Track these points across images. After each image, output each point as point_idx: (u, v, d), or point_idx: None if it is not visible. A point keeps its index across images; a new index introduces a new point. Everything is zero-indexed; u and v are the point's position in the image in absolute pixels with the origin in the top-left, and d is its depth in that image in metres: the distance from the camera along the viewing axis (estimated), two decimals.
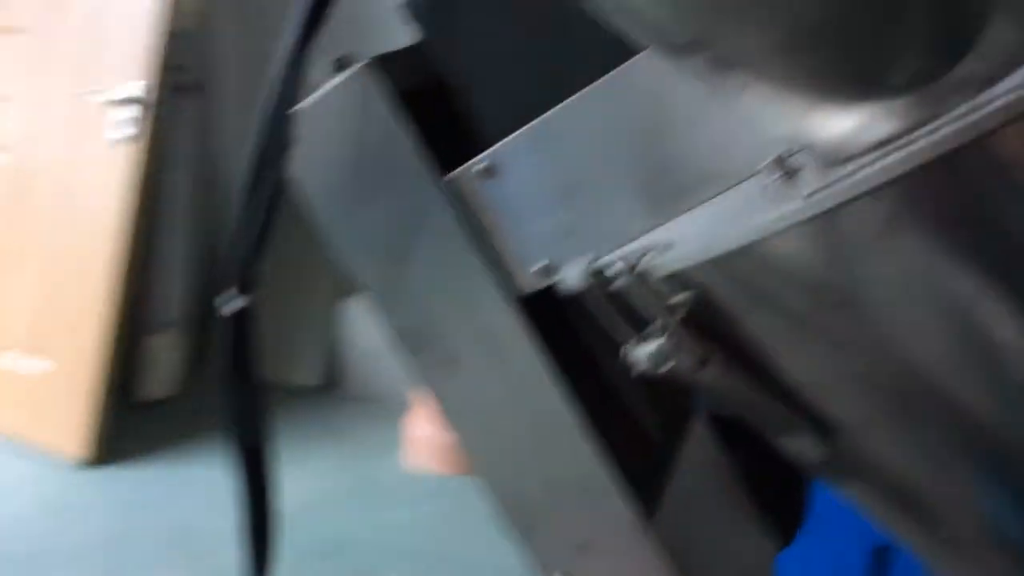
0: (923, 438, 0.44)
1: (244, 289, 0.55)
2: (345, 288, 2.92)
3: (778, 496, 0.74)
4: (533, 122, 0.55)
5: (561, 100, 0.55)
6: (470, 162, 0.57)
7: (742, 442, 0.69)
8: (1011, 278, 0.37)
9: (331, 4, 0.54)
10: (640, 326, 0.48)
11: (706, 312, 0.45)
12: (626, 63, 0.53)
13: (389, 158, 0.59)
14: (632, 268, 0.45)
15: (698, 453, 0.68)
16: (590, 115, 0.54)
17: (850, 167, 0.38)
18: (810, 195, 0.38)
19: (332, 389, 2.92)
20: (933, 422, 0.42)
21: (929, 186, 0.36)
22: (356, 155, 0.60)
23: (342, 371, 2.94)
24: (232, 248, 0.55)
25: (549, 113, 0.55)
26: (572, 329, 0.62)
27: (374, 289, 0.62)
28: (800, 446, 0.47)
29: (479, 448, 0.62)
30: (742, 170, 0.49)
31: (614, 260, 0.47)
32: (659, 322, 0.46)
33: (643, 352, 0.47)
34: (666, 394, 0.65)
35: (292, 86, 0.54)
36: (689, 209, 0.52)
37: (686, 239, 0.46)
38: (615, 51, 0.52)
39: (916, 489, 0.48)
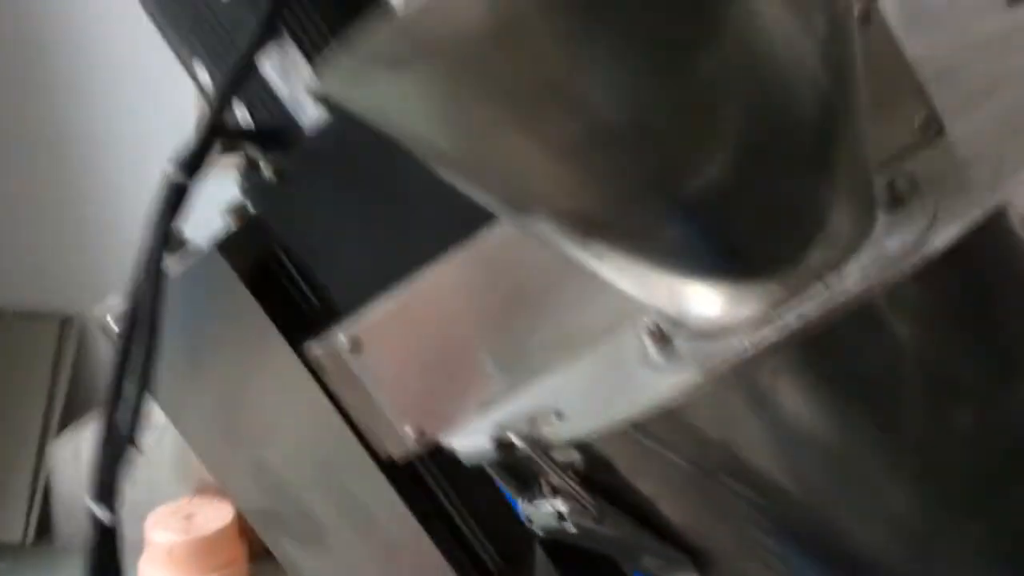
0: (793, 560, 0.50)
1: (110, 503, 0.53)
2: (53, 426, 2.70)
3: None
4: (393, 294, 0.58)
5: (413, 267, 0.58)
6: (332, 337, 0.58)
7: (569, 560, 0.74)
8: (874, 425, 0.44)
9: (189, 195, 0.54)
10: (528, 483, 0.51)
11: (596, 469, 0.49)
12: (481, 232, 0.57)
13: (240, 342, 0.59)
14: (531, 437, 0.49)
15: None
16: (448, 284, 0.58)
17: (732, 340, 0.44)
18: (706, 366, 0.44)
19: (43, 543, 2.66)
20: (806, 547, 0.49)
21: (796, 356, 0.43)
22: (200, 344, 0.60)
23: (54, 522, 2.70)
24: (98, 460, 0.52)
25: (408, 285, 0.58)
26: (421, 480, 0.64)
27: (227, 475, 0.61)
28: None
29: None
30: (600, 332, 0.55)
31: (508, 429, 0.50)
32: (551, 482, 0.50)
33: (542, 513, 0.50)
34: (507, 529, 0.69)
35: (156, 288, 0.53)
36: (547, 371, 0.56)
37: (575, 405, 0.50)
38: (468, 219, 0.57)
39: None
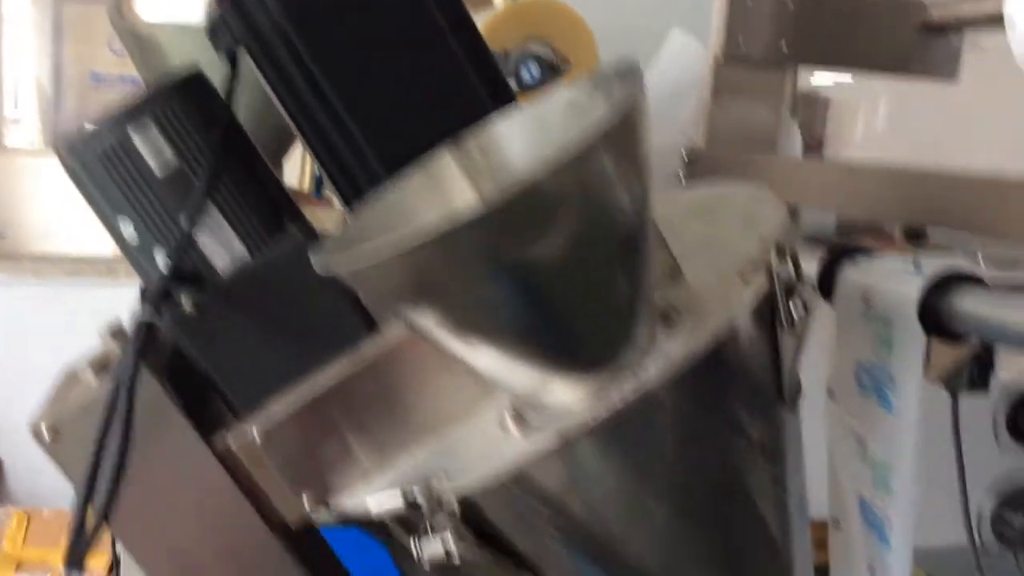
0: None
1: None
2: None
3: None
4: (290, 396, 0.75)
5: (306, 374, 0.76)
6: (244, 431, 0.74)
7: None
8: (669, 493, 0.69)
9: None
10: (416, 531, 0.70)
11: (481, 529, 0.69)
12: (362, 344, 0.76)
13: (158, 438, 0.73)
14: (432, 495, 0.67)
15: None
16: (332, 385, 0.75)
17: (574, 414, 0.66)
18: (559, 430, 0.65)
19: None
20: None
21: (617, 429, 0.66)
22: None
23: None
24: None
25: (301, 388, 0.75)
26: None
27: (146, 559, 0.74)
28: None
29: None
30: (462, 416, 0.75)
31: (413, 489, 0.68)
32: (437, 524, 0.68)
33: (433, 550, 0.68)
34: None
35: (130, 408, 0.67)
36: (418, 447, 0.75)
37: (457, 467, 0.69)
38: (352, 335, 0.76)
39: None
